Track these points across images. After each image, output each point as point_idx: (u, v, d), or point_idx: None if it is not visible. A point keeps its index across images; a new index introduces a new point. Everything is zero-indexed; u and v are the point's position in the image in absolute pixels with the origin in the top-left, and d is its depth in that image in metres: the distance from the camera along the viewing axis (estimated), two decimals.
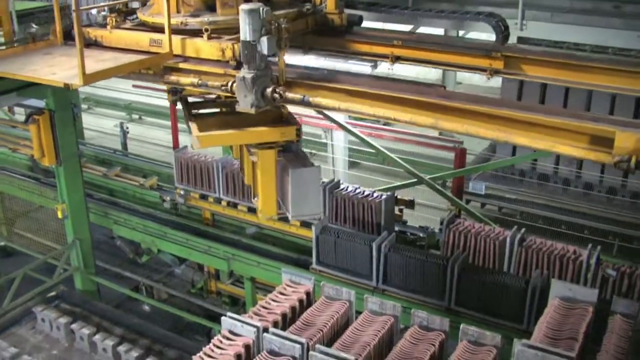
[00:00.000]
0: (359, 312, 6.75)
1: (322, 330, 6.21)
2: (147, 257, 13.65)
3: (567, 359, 5.34)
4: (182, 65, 7.52)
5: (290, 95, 6.87)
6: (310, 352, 5.79)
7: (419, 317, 6.37)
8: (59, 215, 11.20)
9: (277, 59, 6.86)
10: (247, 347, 6.03)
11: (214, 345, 6.13)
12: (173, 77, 7.58)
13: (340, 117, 12.92)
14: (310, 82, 6.94)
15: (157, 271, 13.71)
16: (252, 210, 10.98)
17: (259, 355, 5.91)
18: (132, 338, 10.05)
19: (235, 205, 11.27)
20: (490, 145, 16.93)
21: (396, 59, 8.43)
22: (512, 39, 10.89)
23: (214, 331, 11.73)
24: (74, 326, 10.14)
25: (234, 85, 6.85)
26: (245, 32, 6.61)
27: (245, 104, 6.83)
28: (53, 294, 10.96)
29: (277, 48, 6.77)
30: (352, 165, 17.69)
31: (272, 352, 5.92)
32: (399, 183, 13.38)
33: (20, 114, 16.33)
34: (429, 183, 12.39)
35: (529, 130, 5.63)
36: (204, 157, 11.61)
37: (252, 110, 6.84)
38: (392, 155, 12.91)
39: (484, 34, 10.75)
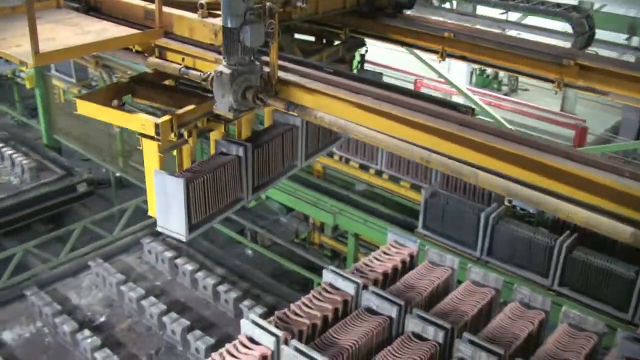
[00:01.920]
0: (459, 281, 6.69)
1: (421, 294, 6.18)
2: (254, 202, 13.85)
3: None
4: (165, 45, 6.51)
5: (271, 101, 5.72)
6: (407, 315, 5.78)
7: (521, 293, 6.26)
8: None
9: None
10: (345, 302, 6.06)
11: (313, 296, 6.18)
12: (156, 60, 6.69)
13: (462, 83, 12.70)
14: (307, 85, 5.72)
15: (263, 218, 13.90)
16: (363, 167, 10.96)
17: (356, 311, 5.94)
18: (233, 280, 10.28)
19: (347, 161, 11.26)
20: (613, 127, 16.37)
21: (446, 55, 7.57)
22: None
23: (312, 282, 11.87)
24: (178, 261, 10.44)
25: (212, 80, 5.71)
26: (225, 16, 5.45)
27: (222, 105, 5.73)
28: None
29: (265, 39, 5.59)
30: None
31: (369, 310, 5.93)
32: None
33: None
34: None
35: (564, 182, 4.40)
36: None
37: (230, 115, 5.85)
38: (510, 127, 12.64)
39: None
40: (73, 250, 12.24)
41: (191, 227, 6.25)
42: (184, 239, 6.35)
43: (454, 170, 4.89)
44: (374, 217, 10.56)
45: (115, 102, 6.98)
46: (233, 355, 5.51)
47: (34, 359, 9.00)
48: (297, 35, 8.71)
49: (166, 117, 6.12)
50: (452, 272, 6.62)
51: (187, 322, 9.07)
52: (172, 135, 6.26)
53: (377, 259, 6.77)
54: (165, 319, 9.19)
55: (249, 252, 13.66)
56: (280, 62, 5.95)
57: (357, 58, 9.22)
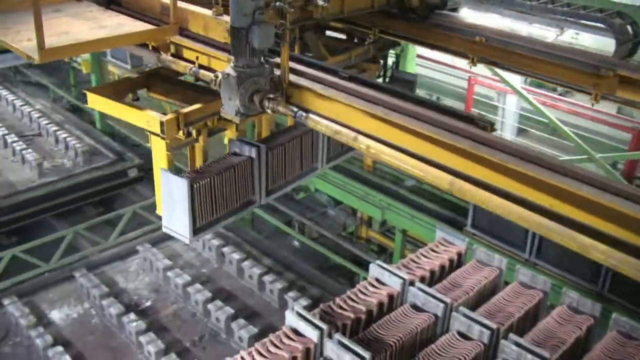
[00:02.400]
0: (506, 282, 6.62)
1: (468, 293, 6.13)
2: (303, 194, 13.88)
3: None
4: (179, 42, 6.35)
5: (280, 108, 5.43)
6: (453, 313, 5.73)
7: (570, 297, 6.18)
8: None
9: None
10: (390, 297, 6.04)
11: (358, 290, 6.17)
12: (167, 58, 6.49)
13: (516, 81, 12.52)
14: (318, 91, 5.42)
15: (312, 209, 13.90)
16: None
17: (401, 308, 5.91)
18: (278, 270, 10.28)
19: None
20: None
21: (478, 59, 7.25)
22: None
23: (358, 277, 11.84)
24: (225, 249, 10.48)
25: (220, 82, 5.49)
26: (233, 15, 5.23)
27: (229, 109, 5.50)
28: None
29: (275, 41, 5.35)
30: (520, 132, 17.23)
31: (414, 306, 5.91)
32: (566, 157, 12.92)
33: None
34: (598, 162, 11.89)
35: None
36: None
37: (237, 120, 5.59)
38: (565, 128, 12.45)
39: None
40: (122, 234, 12.38)
41: (196, 230, 6.08)
42: (187, 242, 6.20)
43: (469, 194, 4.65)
44: (422, 213, 10.49)
45: (130, 96, 6.99)
46: (276, 346, 5.52)
47: (81, 339, 9.11)
48: (328, 33, 8.61)
49: (171, 115, 6.04)
50: (500, 272, 6.56)
51: (232, 311, 9.09)
52: (181, 133, 6.16)
53: (424, 255, 6.74)
54: (210, 306, 9.23)
55: (296, 243, 13.67)
56: (293, 65, 5.74)
57: (393, 58, 9.06)
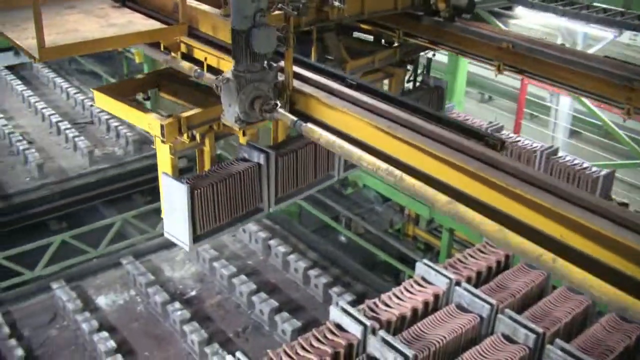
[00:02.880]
0: (554, 287, 6.53)
1: (514, 296, 6.06)
2: (351, 190, 13.85)
3: None
4: (188, 42, 6.11)
5: (277, 115, 5.17)
6: (499, 316, 5.67)
7: None
8: None
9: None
10: (436, 296, 5.99)
11: (404, 288, 6.13)
12: (170, 58, 6.31)
13: None
14: (323, 99, 5.18)
15: (359, 205, 13.86)
16: None
17: (447, 307, 5.86)
18: (324, 265, 10.29)
19: None
20: None
21: (504, 67, 6.95)
22: None
23: (403, 275, 11.79)
24: (271, 242, 10.51)
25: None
26: (234, 17, 5.00)
27: (229, 115, 5.26)
28: None
29: (277, 45, 5.07)
30: (572, 134, 16.99)
31: (459, 307, 5.85)
32: (620, 162, 12.71)
33: None
34: None
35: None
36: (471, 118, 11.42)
37: (237, 127, 5.32)
38: (619, 131, 12.24)
39: None
40: None
41: (196, 237, 5.89)
42: (187, 249, 5.99)
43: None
44: None
45: (141, 95, 6.94)
46: (319, 341, 5.51)
47: (126, 325, 9.21)
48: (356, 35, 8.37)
49: (171, 119, 5.89)
50: (547, 276, 6.47)
51: (276, 304, 9.12)
52: (185, 137, 6.03)
53: (471, 256, 6.68)
54: (254, 298, 9.26)
55: (342, 238, 13.65)
56: (300, 71, 5.53)
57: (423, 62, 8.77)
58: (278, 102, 5.23)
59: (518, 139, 8.39)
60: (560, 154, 9.80)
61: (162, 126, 5.84)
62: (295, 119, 5.08)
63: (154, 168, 12.29)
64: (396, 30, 7.74)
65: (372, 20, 7.62)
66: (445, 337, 5.46)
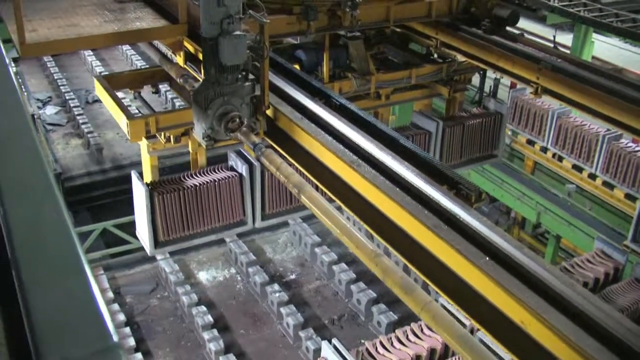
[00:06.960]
0: None
1: (622, 312, 5.84)
2: None
3: None
4: (187, 42, 5.81)
5: (242, 136, 4.69)
6: None
7: None
8: None
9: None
10: None
11: None
12: (164, 60, 6.14)
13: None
14: (298, 122, 4.74)
15: None
16: (576, 167, 10.49)
17: None
18: None
19: (560, 158, 10.81)
20: None
21: (542, 90, 6.48)
22: None
23: None
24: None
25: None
26: (202, 22, 4.53)
27: (198, 130, 4.78)
28: None
29: (248, 56, 4.58)
30: None
31: None
32: None
33: None
34: None
35: None
36: (541, 102, 11.15)
37: (204, 144, 4.79)
38: None
39: None
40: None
41: (158, 243, 5.73)
42: (148, 253, 5.81)
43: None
44: (580, 221, 10.09)
45: (151, 89, 6.89)
46: (417, 336, 5.46)
47: (224, 302, 9.36)
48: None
49: (138, 119, 5.80)
50: None
51: (374, 295, 9.10)
52: (162, 138, 5.90)
53: (579, 265, 6.50)
54: (352, 287, 9.26)
55: None
56: (281, 85, 5.14)
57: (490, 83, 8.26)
58: (245, 121, 4.78)
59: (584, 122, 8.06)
60: (623, 140, 9.24)
61: (127, 124, 5.75)
62: (257, 141, 4.67)
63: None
64: (433, 39, 7.30)
65: (408, 26, 7.30)
66: None
